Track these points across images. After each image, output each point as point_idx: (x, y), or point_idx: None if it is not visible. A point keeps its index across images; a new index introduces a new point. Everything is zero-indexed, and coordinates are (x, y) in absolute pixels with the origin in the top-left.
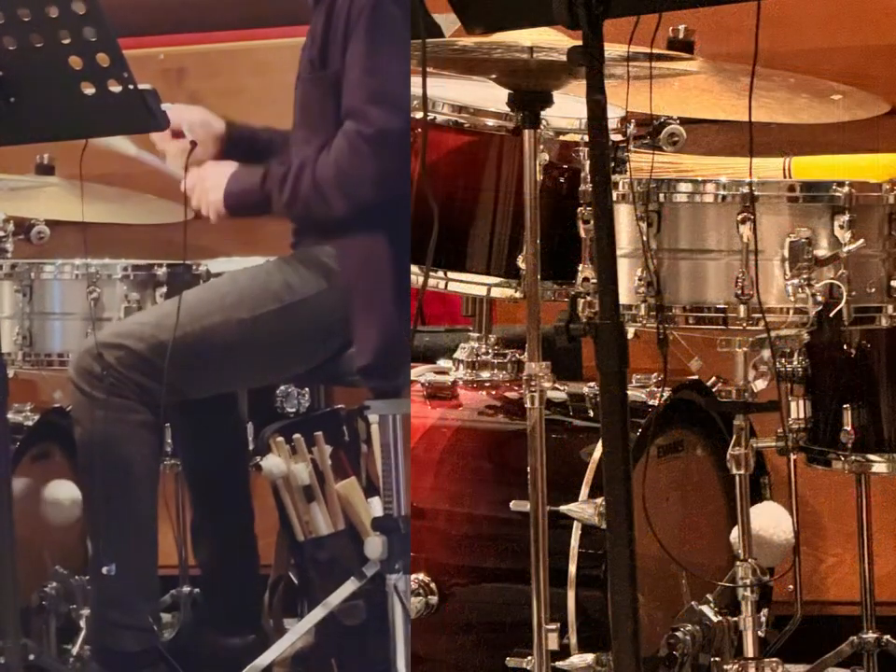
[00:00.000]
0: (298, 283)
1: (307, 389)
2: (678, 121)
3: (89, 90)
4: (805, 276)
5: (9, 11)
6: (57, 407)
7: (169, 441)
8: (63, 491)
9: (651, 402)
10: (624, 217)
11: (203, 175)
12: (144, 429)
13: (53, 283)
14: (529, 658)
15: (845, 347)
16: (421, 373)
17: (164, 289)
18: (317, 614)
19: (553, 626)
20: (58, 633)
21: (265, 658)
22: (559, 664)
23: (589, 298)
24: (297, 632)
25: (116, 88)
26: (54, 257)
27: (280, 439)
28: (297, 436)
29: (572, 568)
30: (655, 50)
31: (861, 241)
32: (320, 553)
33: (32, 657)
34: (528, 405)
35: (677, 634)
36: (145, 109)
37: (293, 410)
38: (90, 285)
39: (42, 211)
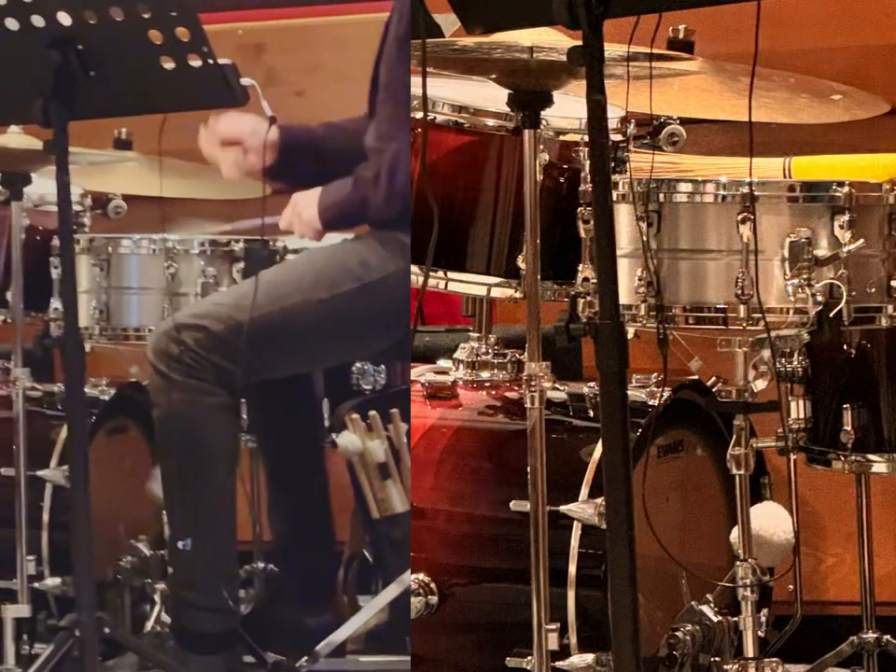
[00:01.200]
0: (375, 261)
1: (383, 366)
2: (678, 121)
3: (168, 64)
4: (805, 276)
5: None
6: (133, 381)
7: (244, 417)
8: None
9: (651, 402)
10: (624, 217)
11: (294, 201)
12: (221, 411)
13: (130, 257)
14: (529, 658)
15: (845, 347)
16: (421, 373)
17: (241, 265)
18: (392, 591)
19: (553, 626)
20: (132, 606)
21: (339, 635)
22: (559, 664)
23: (589, 298)
24: (371, 609)
25: (195, 62)
26: (131, 231)
27: (356, 416)
28: (373, 413)
29: (572, 568)
30: (655, 50)
31: (861, 241)
32: (395, 530)
33: (107, 630)
34: (528, 405)
35: (677, 634)
36: (224, 84)
37: (369, 387)
38: (167, 259)
39: (119, 186)
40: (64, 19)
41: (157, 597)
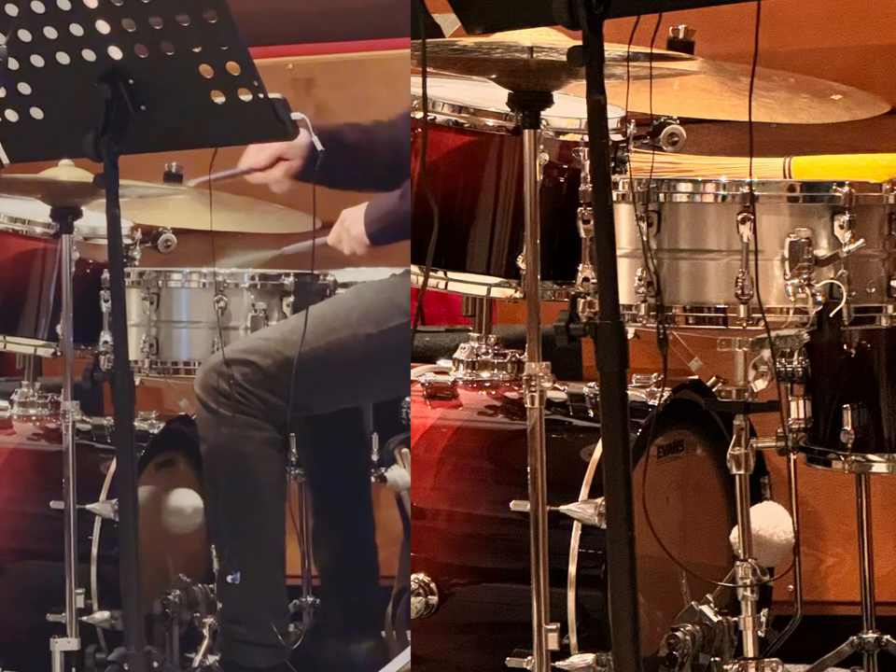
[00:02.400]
0: None
1: None
2: (678, 121)
3: (219, 98)
4: (805, 276)
5: (141, 19)
6: (182, 415)
7: (293, 450)
8: (187, 499)
9: (651, 402)
10: (624, 217)
11: (342, 217)
12: (270, 446)
13: (181, 291)
14: (529, 658)
15: (845, 347)
16: (421, 373)
17: (292, 299)
18: None
19: (553, 626)
20: (181, 641)
21: (388, 669)
22: (559, 664)
23: (589, 298)
24: None
25: (246, 96)
26: (181, 265)
27: (405, 450)
28: None
29: (572, 568)
30: (655, 50)
31: (861, 241)
32: None
33: (155, 664)
34: (528, 405)
35: (677, 634)
36: (274, 118)
37: None
38: (217, 293)
39: (170, 219)
40: (115, 53)
41: (206, 632)
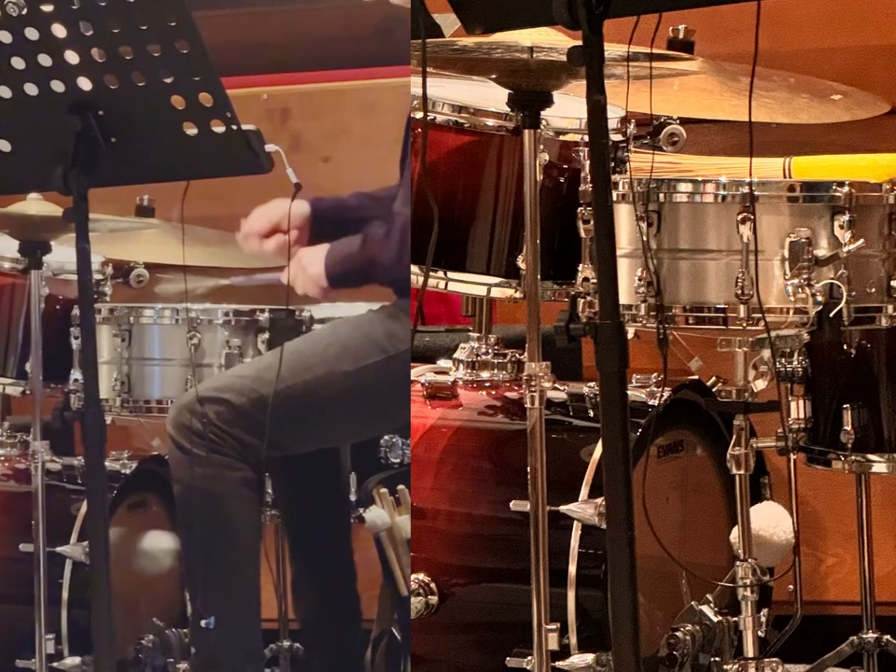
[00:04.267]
0: (401, 332)
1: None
2: (678, 121)
3: (191, 130)
4: (805, 276)
5: (111, 49)
6: (155, 455)
7: (269, 490)
8: (160, 542)
9: (651, 402)
10: (624, 217)
11: (299, 256)
12: (245, 486)
13: (153, 327)
14: (529, 658)
15: (845, 347)
16: (421, 373)
17: (266, 335)
18: None
19: (553, 626)
20: None
21: None
22: (559, 664)
23: (589, 298)
24: None
25: (219, 128)
26: (154, 301)
27: (384, 490)
28: (401, 487)
29: (572, 568)
30: (655, 50)
31: (861, 241)
32: None
33: None
34: (528, 405)
35: (677, 634)
36: (248, 150)
37: (397, 461)
38: (190, 329)
39: (141, 253)
40: (85, 84)
41: None
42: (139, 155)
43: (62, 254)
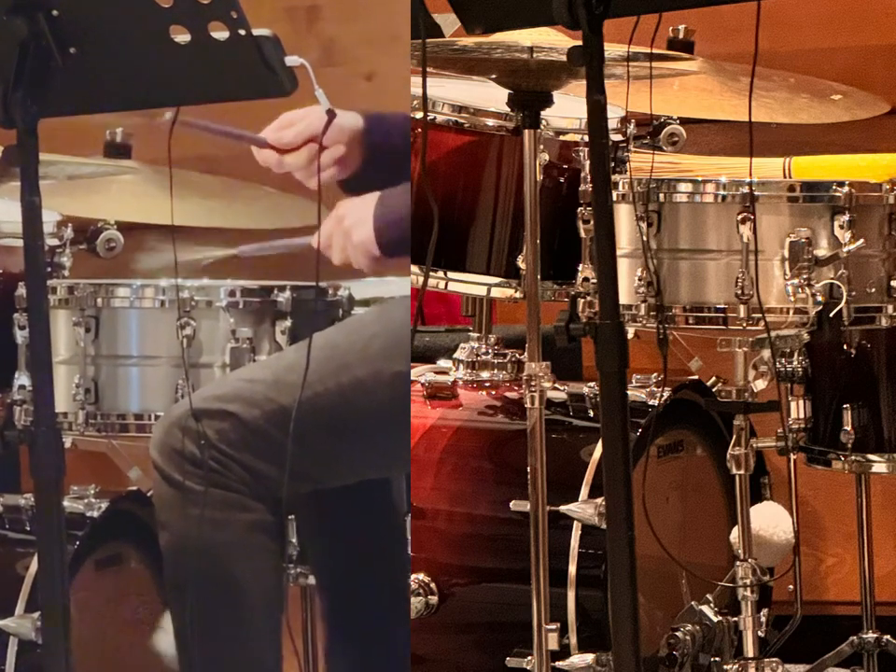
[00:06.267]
0: None
1: None
2: (678, 121)
3: (182, 36)
4: (805, 276)
5: None
6: (133, 491)
7: (293, 540)
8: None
9: (651, 402)
10: (624, 217)
11: (339, 214)
12: (259, 533)
13: (129, 313)
14: (529, 658)
15: (845, 347)
16: (421, 373)
17: (288, 323)
18: None
19: (553, 626)
20: None
21: None
22: (559, 664)
23: (589, 298)
24: None
25: (221, 33)
26: (130, 276)
27: None
28: None
29: (572, 568)
30: (655, 50)
31: (861, 241)
32: None
33: None
34: (528, 405)
35: (677, 634)
36: (261, 64)
37: None
38: (181, 315)
39: (113, 209)
40: None
41: None
42: (108, 71)
43: (1, 210)
